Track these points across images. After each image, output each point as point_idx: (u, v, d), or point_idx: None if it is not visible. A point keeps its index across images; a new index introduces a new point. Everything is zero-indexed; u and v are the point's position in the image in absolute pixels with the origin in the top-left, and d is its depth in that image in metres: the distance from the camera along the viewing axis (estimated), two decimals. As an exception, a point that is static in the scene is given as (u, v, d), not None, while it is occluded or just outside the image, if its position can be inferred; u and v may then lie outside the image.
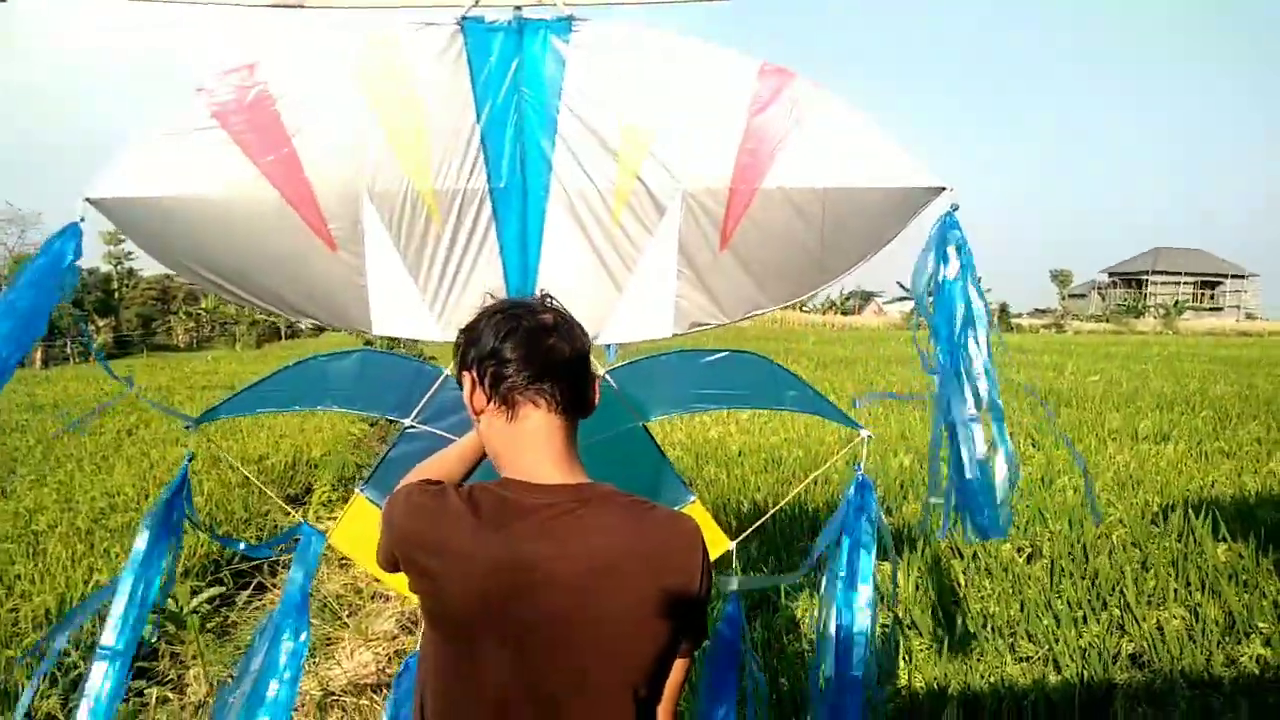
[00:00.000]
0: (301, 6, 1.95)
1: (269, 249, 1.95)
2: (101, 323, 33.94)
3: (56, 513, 6.34)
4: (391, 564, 1.32)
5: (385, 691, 3.84)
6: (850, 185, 1.89)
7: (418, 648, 1.72)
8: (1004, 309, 53.37)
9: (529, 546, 1.19)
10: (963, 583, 4.58)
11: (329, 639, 4.44)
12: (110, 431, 10.12)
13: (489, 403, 1.29)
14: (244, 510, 6.72)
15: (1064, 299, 70.97)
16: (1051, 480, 6.59)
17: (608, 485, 1.28)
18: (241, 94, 1.87)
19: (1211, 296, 72.38)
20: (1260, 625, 4.00)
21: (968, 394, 1.76)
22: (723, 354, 2.21)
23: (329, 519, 6.88)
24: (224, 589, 5.15)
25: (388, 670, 4.09)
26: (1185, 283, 70.60)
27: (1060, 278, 71.47)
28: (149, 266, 42.26)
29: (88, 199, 1.84)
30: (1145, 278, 71.49)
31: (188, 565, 5.21)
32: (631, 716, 1.24)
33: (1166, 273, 71.04)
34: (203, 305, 40.98)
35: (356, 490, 2.31)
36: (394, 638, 4.48)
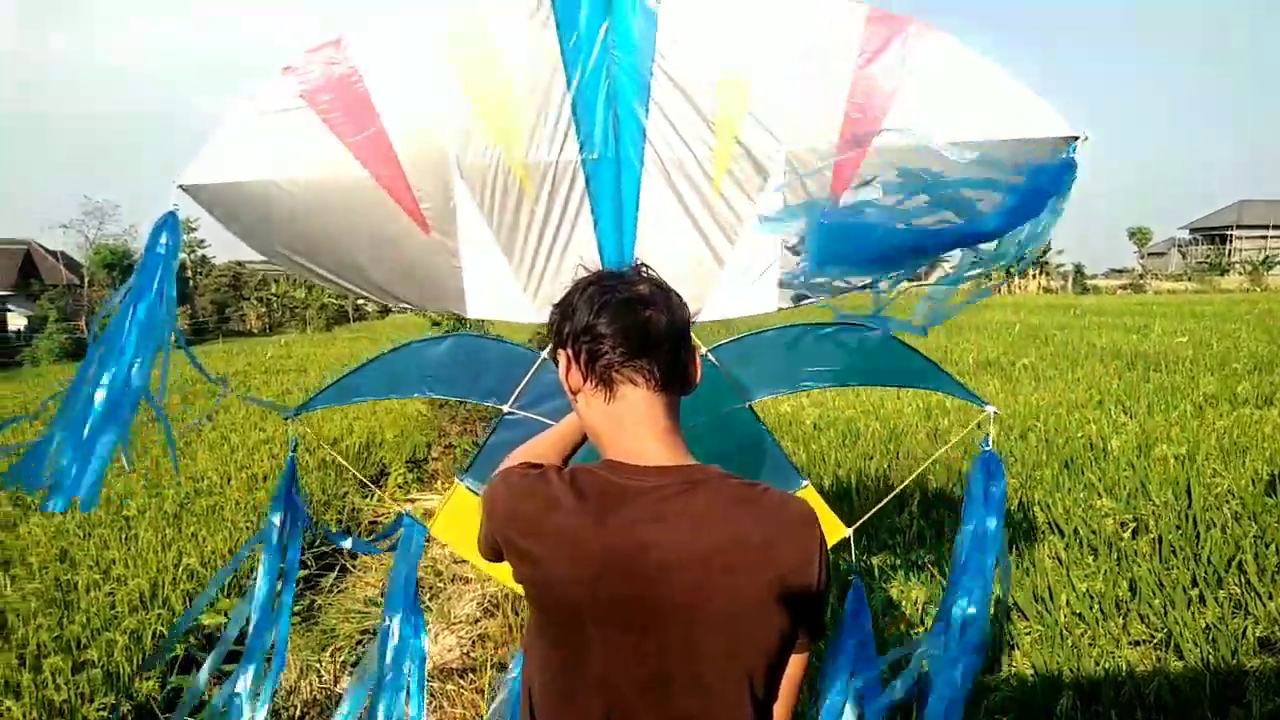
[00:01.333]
0: None
1: (361, 231, 1.89)
2: (178, 310, 35.02)
3: (145, 498, 6.51)
4: (494, 552, 1.27)
5: (471, 676, 3.81)
6: (970, 138, 1.71)
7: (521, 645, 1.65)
8: (1079, 270, 51.43)
9: (637, 531, 1.12)
10: (1064, 560, 4.36)
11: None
12: (191, 418, 10.41)
13: (585, 381, 1.22)
14: (321, 493, 6.82)
15: (1143, 258, 68.10)
16: (1149, 448, 6.25)
17: (716, 467, 1.20)
18: (328, 71, 1.80)
19: (1303, 250, 68.67)
20: (1401, 604, 3.69)
21: None
22: (832, 327, 2.06)
23: (405, 500, 6.95)
24: (307, 571, 5.22)
25: (471, 654, 4.07)
26: (1273, 236, 67.07)
27: (1138, 236, 68.45)
28: (221, 254, 43.62)
29: (180, 185, 1.79)
30: (1229, 233, 68.12)
31: (271, 547, 5.30)
32: (748, 710, 1.16)
33: (1252, 226, 67.55)
34: (274, 290, 42.07)
35: (456, 479, 2.25)
36: (476, 621, 4.46)
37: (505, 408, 2.16)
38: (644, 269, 1.30)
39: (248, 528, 5.67)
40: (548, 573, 1.16)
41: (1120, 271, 62.12)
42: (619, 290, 1.22)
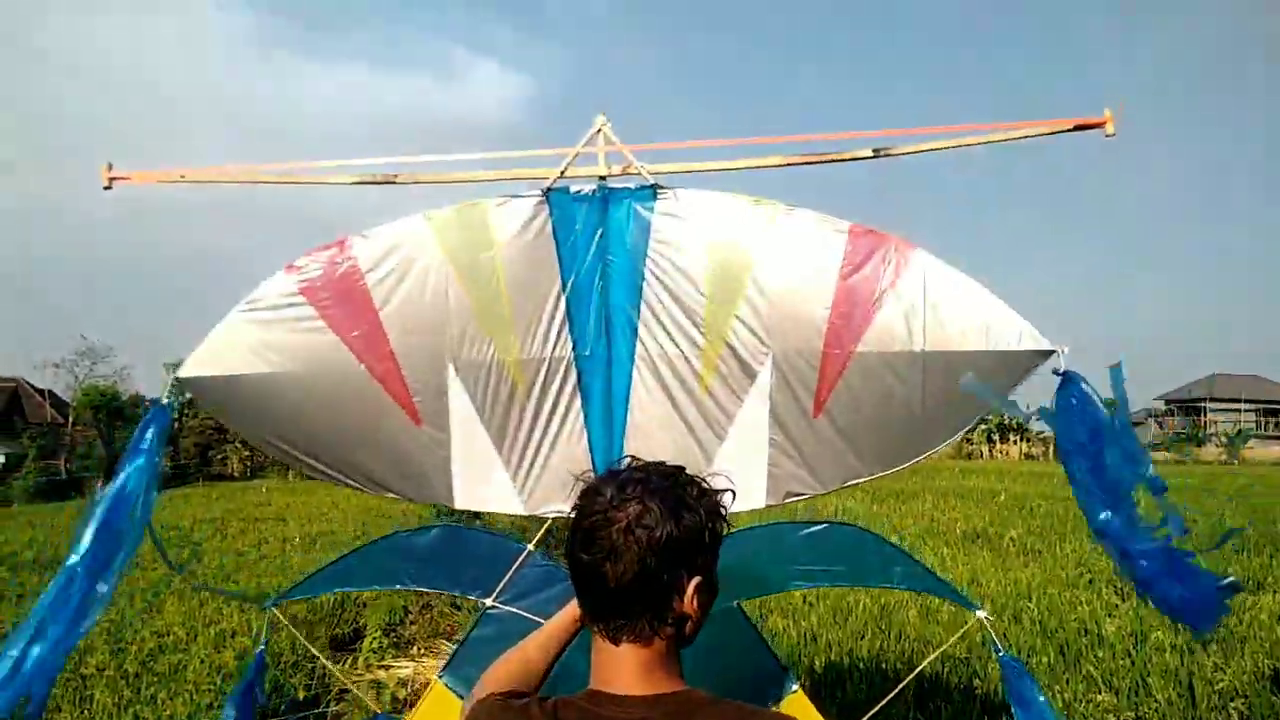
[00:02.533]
0: (393, 182, 1.97)
1: (353, 423, 1.93)
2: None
3: (105, 655, 6.22)
4: None
5: None
6: (950, 348, 1.80)
7: None
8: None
9: None
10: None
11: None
12: (162, 567, 10.09)
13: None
14: (291, 653, 6.52)
15: (1121, 427, 68.84)
16: (1145, 636, 6.12)
17: (702, 692, 1.14)
18: (330, 270, 1.88)
19: (1276, 424, 69.62)
20: None
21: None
22: (821, 526, 2.09)
23: (379, 666, 6.64)
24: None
25: None
26: (1246, 410, 68.24)
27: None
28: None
29: (178, 378, 1.85)
30: (1203, 405, 69.31)
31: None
32: None
33: (1225, 400, 68.82)
34: (256, 433, 41.64)
35: (435, 677, 2.18)
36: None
37: (488, 602, 2.13)
38: (649, 474, 1.19)
39: (210, 690, 5.38)
40: None
41: (1101, 440, 62.40)
42: (592, 531, 1.13)
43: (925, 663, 2.67)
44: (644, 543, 1.10)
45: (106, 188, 2.00)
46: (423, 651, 7.01)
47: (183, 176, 2.03)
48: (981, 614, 1.98)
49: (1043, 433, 52.41)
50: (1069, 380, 1.72)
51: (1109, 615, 6.81)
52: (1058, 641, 6.11)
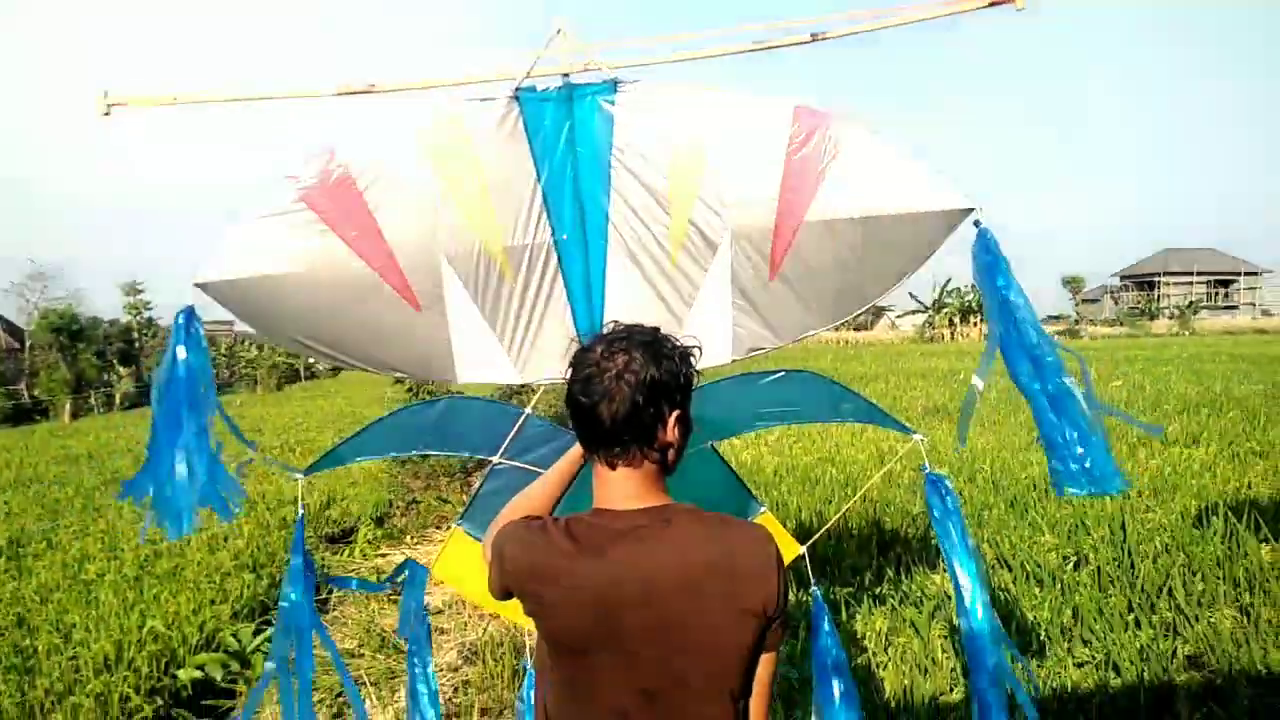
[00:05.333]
0: (371, 91, 2.08)
1: (361, 315, 2.12)
2: (124, 371, 34.16)
3: (104, 561, 6.44)
4: (504, 594, 1.47)
5: (454, 721, 3.90)
6: (884, 212, 2.02)
7: (532, 661, 1.90)
8: (1018, 317, 53.07)
9: (626, 565, 1.33)
10: (1013, 592, 4.62)
11: (392, 673, 4.51)
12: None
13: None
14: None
15: (1077, 305, 70.50)
16: (1088, 488, 6.59)
17: (688, 504, 1.42)
18: (325, 176, 2.04)
19: (1225, 295, 71.70)
20: (1314, 623, 4.01)
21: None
22: (779, 373, 2.33)
23: (376, 556, 6.98)
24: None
25: (454, 700, 4.15)
26: (1198, 283, 70.08)
27: (1072, 283, 70.86)
28: (166, 316, 42.54)
29: (196, 284, 1.99)
30: (1157, 279, 70.97)
31: (236, 607, 5.33)
32: (730, 708, 1.37)
33: (1178, 273, 70.48)
34: (220, 349, 41.26)
35: (454, 524, 2.43)
36: (457, 669, 4.54)
37: (494, 459, 2.37)
38: (631, 332, 1.44)
39: (210, 587, 5.64)
40: (556, 611, 1.38)
41: (1056, 318, 63.93)
42: (589, 379, 1.38)
43: (869, 484, 2.95)
44: (632, 384, 1.36)
45: (105, 114, 2.05)
46: (416, 540, 7.35)
47: (175, 99, 2.11)
48: (918, 437, 2.24)
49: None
50: (981, 235, 1.92)
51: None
52: (1008, 497, 6.58)
